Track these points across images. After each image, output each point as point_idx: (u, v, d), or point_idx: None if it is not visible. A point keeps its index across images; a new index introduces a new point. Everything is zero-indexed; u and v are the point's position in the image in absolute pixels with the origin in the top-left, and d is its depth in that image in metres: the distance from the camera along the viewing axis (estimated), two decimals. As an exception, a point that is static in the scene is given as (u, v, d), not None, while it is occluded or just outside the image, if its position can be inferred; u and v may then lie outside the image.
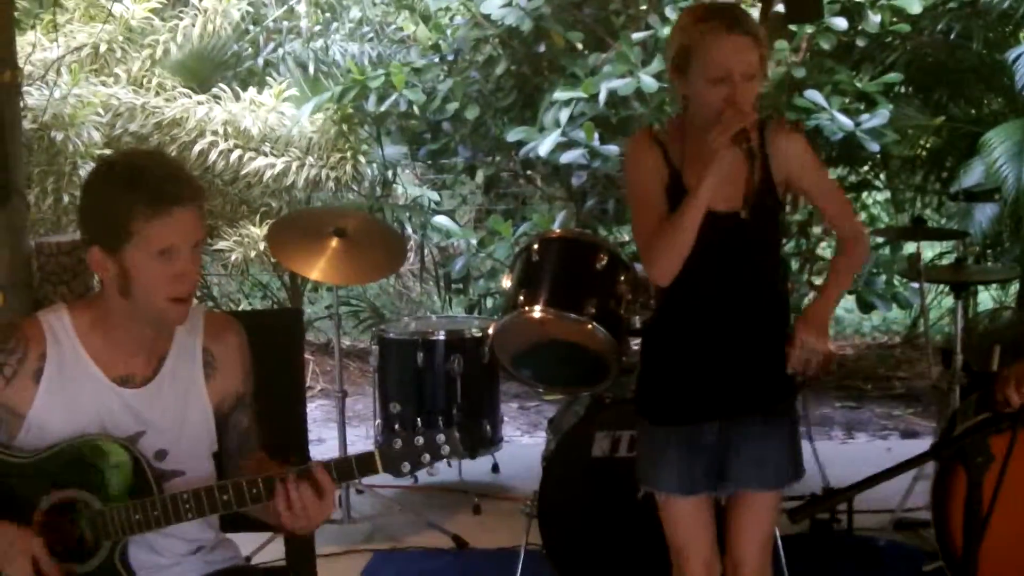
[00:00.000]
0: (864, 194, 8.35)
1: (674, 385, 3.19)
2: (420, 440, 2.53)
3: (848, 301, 7.57)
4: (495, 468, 5.92)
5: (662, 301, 3.21)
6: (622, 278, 4.26)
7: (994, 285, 8.24)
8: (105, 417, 2.61)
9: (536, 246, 4.39)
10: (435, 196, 8.48)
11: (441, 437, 2.53)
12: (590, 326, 4.16)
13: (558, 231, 5.44)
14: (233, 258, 7.09)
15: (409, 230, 8.28)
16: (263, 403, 2.88)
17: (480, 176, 7.91)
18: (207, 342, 2.75)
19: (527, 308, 4.25)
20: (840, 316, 9.27)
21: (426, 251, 8.90)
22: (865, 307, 6.86)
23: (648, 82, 6.33)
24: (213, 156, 7.10)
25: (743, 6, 6.28)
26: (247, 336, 2.82)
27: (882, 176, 8.22)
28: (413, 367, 5.38)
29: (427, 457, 2.53)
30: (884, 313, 7.83)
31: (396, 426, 5.32)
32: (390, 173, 8.15)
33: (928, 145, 7.88)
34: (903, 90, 7.22)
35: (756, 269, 3.09)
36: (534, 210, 7.72)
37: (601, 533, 4.27)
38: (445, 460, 2.55)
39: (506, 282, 4.50)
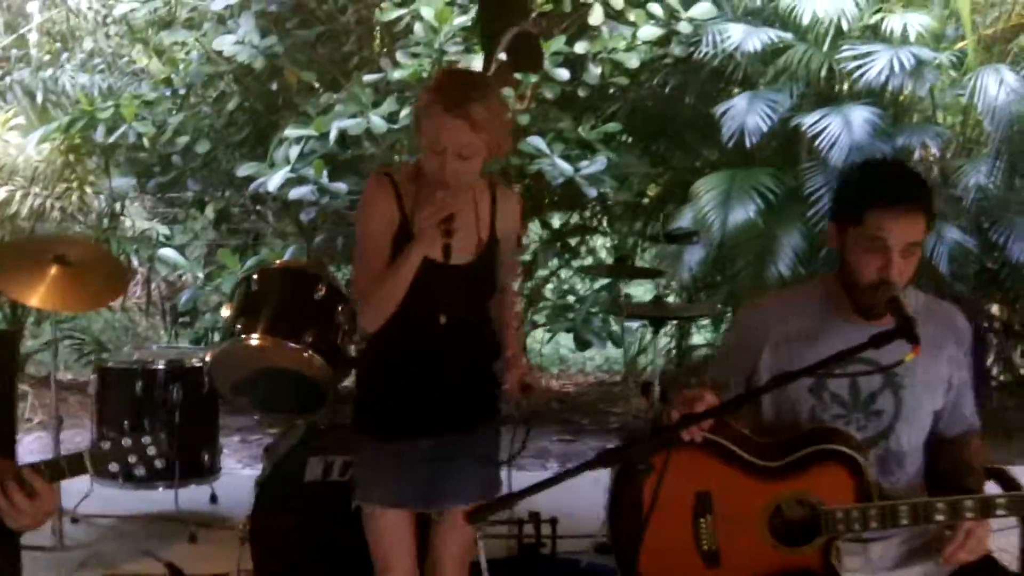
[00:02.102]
0: (588, 238, 8.72)
1: (387, 403, 3.32)
2: (128, 442, 2.59)
3: (567, 339, 7.89)
4: (213, 498, 5.91)
5: (377, 330, 3.34)
6: (340, 308, 4.38)
7: (708, 326, 8.72)
8: None
9: (256, 276, 4.47)
10: (165, 230, 8.42)
11: (147, 439, 2.60)
12: (307, 353, 4.25)
13: (278, 262, 5.52)
14: (-51, 289, 6.88)
15: (136, 263, 8.20)
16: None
17: (210, 210, 7.91)
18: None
19: (245, 335, 4.32)
20: (565, 355, 9.62)
21: (153, 285, 8.82)
22: (582, 344, 7.16)
23: (378, 122, 6.49)
24: (-69, 183, 6.92)
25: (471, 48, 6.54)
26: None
27: (604, 221, 8.59)
28: (132, 396, 5.36)
29: (134, 458, 2.59)
30: (600, 350, 8.18)
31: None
32: (118, 205, 8.07)
33: (650, 192, 8.28)
34: (625, 139, 7.58)
35: (474, 309, 3.28)
36: (264, 245, 7.76)
37: (311, 556, 4.33)
38: (152, 462, 2.60)
39: (226, 311, 4.55)
